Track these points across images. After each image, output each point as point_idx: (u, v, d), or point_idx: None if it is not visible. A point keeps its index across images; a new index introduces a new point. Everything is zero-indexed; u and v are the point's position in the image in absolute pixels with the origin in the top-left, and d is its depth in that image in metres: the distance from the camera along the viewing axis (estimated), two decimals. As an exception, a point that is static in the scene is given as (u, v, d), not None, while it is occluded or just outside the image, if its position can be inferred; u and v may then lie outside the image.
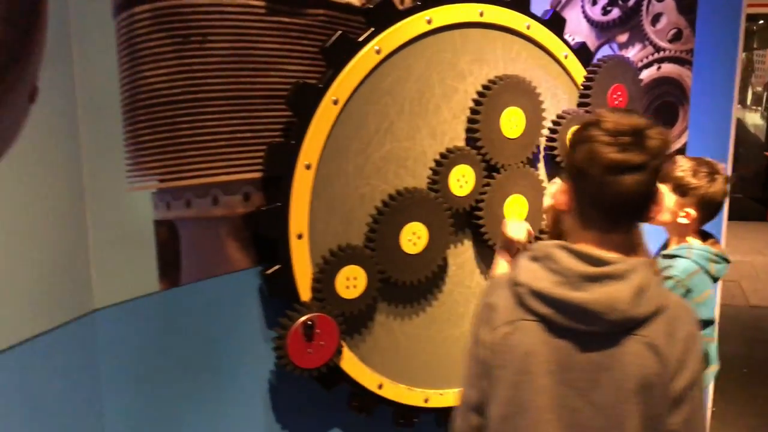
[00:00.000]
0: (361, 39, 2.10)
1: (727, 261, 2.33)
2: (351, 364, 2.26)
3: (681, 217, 2.28)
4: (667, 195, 2.24)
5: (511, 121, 2.37)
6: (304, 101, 2.04)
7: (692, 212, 2.27)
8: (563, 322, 1.21)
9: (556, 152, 2.52)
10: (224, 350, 2.08)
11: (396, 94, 2.20)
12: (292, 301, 2.11)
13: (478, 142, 2.33)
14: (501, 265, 2.18)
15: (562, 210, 1.29)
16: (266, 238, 2.08)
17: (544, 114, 2.47)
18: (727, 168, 2.27)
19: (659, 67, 2.87)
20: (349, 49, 2.09)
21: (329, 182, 2.13)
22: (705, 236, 2.35)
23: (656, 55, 2.85)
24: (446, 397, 2.50)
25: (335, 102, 2.08)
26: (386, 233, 2.19)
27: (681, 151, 2.98)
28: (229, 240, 2.05)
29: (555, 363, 1.21)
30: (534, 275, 1.25)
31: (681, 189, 2.26)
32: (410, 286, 2.29)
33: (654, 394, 1.19)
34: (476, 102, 2.33)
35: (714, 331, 2.41)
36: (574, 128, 1.26)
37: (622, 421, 1.20)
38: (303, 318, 2.06)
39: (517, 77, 2.38)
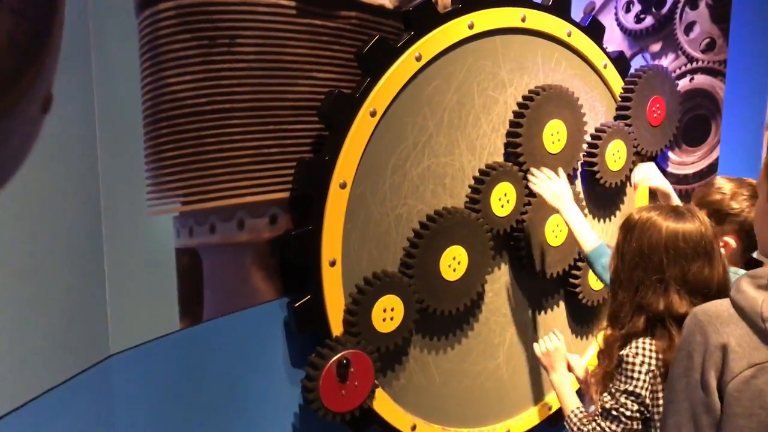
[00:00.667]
0: (400, 44, 1.89)
1: None
2: (384, 404, 2.03)
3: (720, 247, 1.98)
4: None
5: (554, 135, 2.19)
6: (339, 112, 1.82)
7: (732, 242, 1.92)
8: None
9: (596, 168, 2.35)
10: (248, 393, 1.84)
11: (435, 105, 2.00)
12: (323, 337, 1.88)
13: (520, 158, 2.13)
14: (567, 389, 1.92)
15: None
16: (295, 265, 1.85)
17: (585, 128, 2.29)
18: None
19: (692, 79, 2.73)
20: (387, 55, 1.88)
21: (364, 202, 1.91)
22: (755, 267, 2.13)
23: (689, 66, 2.71)
24: (480, 435, 2.29)
25: (373, 113, 1.87)
26: (426, 258, 1.98)
27: (713, 167, 2.85)
28: (254, 269, 1.82)
29: None
30: None
31: (718, 215, 1.92)
32: (447, 316, 2.08)
33: None
34: (518, 114, 2.14)
35: None
36: None
37: None
38: (337, 356, 1.83)
39: (560, 87, 2.20)
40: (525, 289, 2.33)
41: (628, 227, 1.66)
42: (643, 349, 1.58)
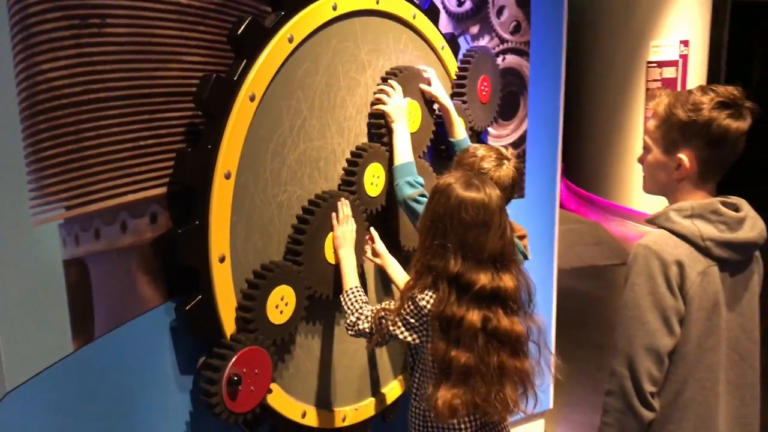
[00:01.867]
0: (272, 25, 1.83)
1: (524, 256, 2.19)
2: (276, 396, 1.98)
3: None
4: None
5: (412, 115, 2.28)
6: (218, 98, 1.71)
7: None
8: (734, 258, 1.53)
9: (442, 146, 2.49)
10: (143, 408, 1.68)
11: (307, 88, 1.97)
12: (217, 337, 1.78)
13: (384, 138, 2.19)
14: (349, 269, 2.01)
15: (681, 175, 1.55)
16: (182, 265, 1.71)
17: (435, 106, 2.41)
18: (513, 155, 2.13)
19: (504, 58, 3.00)
20: (261, 36, 1.80)
21: (248, 193, 1.83)
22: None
23: (501, 47, 2.97)
24: (360, 411, 2.34)
25: (252, 98, 1.78)
26: (313, 245, 1.95)
27: (523, 137, 3.17)
28: (139, 274, 1.65)
29: (724, 290, 1.54)
30: (708, 229, 1.51)
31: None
32: (330, 299, 2.08)
33: (759, 290, 1.63)
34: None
35: None
36: (689, 105, 1.51)
37: (752, 315, 1.61)
38: (227, 371, 1.74)
39: (414, 69, 2.29)
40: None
41: (433, 191, 1.73)
42: (430, 298, 1.68)
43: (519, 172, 2.16)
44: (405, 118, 2.20)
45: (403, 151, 2.17)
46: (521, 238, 2.23)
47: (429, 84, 2.36)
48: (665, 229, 1.55)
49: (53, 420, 1.40)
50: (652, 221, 1.61)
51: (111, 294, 1.56)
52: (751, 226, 1.54)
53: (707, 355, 1.54)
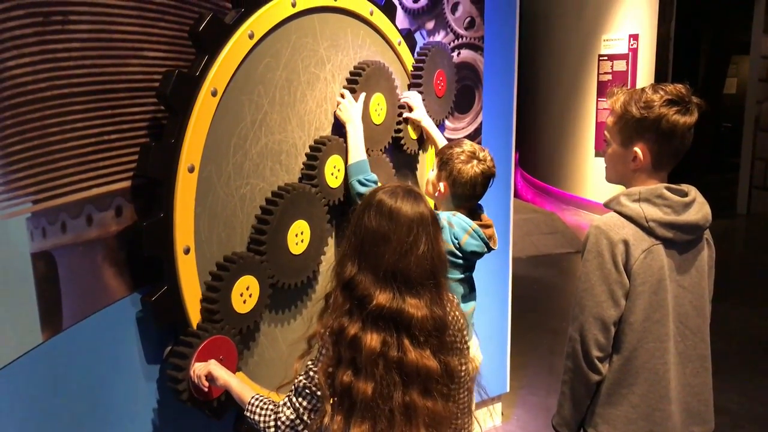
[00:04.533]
0: (233, 22, 1.87)
1: (486, 245, 2.22)
2: (241, 384, 2.04)
3: (436, 191, 2.24)
4: (431, 169, 2.29)
5: (378, 107, 2.35)
6: (181, 93, 1.75)
7: (442, 187, 2.21)
8: (680, 238, 1.67)
9: (402, 138, 2.56)
10: (111, 398, 1.72)
11: (267, 83, 2.01)
12: (183, 327, 1.82)
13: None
14: (245, 388, 1.74)
15: (636, 166, 1.68)
16: (148, 257, 1.75)
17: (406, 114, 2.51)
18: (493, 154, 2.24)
19: (459, 53, 3.08)
20: (222, 32, 1.84)
21: (211, 185, 1.87)
22: (474, 216, 2.28)
23: (456, 42, 3.05)
24: (324, 397, 2.41)
25: (214, 93, 1.82)
26: (277, 236, 2.01)
27: (478, 130, 3.26)
28: (105, 266, 1.69)
29: (671, 268, 1.68)
30: (652, 211, 1.64)
31: (441, 161, 2.24)
32: (294, 288, 2.14)
33: (711, 271, 1.79)
34: (350, 90, 2.26)
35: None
36: (641, 102, 1.63)
37: (701, 293, 1.74)
38: (194, 359, 1.79)
39: (380, 64, 2.36)
40: (351, 254, 2.47)
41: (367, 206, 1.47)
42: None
43: (485, 176, 2.19)
44: (357, 118, 2.26)
45: (355, 150, 2.24)
46: (486, 227, 2.30)
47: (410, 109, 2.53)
48: (616, 211, 1.69)
49: (23, 409, 1.43)
50: (606, 205, 1.75)
51: (78, 286, 1.59)
52: (696, 210, 1.69)
53: (655, 327, 1.68)
